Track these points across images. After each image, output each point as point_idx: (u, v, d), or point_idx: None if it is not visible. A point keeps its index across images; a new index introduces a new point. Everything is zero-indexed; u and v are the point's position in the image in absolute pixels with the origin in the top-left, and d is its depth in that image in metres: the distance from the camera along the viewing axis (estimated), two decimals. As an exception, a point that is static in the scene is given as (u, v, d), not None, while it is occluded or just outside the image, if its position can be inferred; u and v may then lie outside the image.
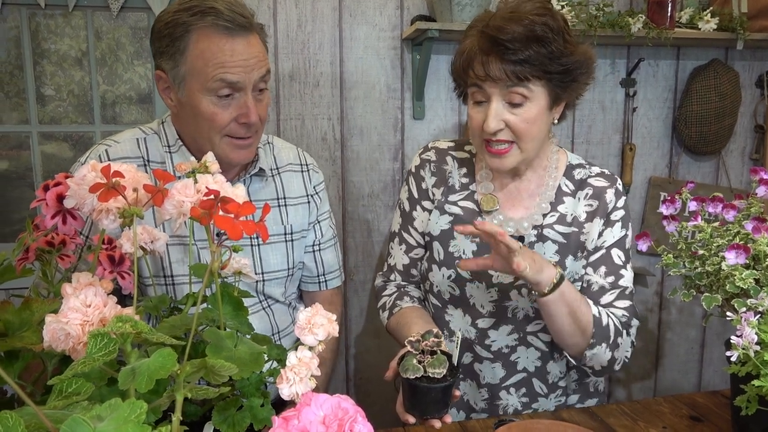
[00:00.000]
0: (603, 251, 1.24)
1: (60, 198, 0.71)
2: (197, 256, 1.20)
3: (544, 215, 1.25)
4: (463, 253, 1.24)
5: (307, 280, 1.42)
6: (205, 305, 0.83)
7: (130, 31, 1.93)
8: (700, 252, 1.08)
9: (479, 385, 1.28)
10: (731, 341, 0.83)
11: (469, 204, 1.28)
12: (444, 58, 2.00)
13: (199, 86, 1.10)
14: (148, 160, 1.21)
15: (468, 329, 1.26)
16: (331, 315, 0.74)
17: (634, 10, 2.01)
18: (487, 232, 1.02)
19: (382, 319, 1.34)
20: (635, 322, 1.23)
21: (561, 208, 1.26)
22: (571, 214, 1.25)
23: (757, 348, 0.81)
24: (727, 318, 0.90)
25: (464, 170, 1.31)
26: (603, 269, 1.23)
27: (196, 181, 0.68)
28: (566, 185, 1.28)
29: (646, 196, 2.28)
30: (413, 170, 1.35)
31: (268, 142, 1.35)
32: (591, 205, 1.25)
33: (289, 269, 1.32)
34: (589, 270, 1.24)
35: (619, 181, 1.30)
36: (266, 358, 0.80)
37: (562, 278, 1.10)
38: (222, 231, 0.62)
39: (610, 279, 1.22)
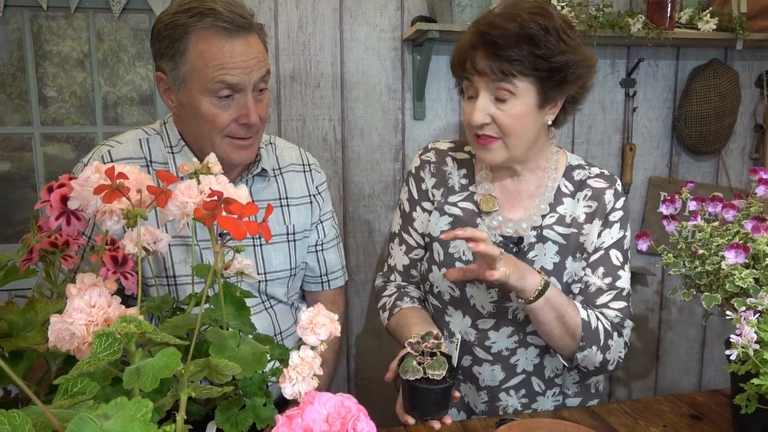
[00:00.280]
0: (601, 252, 1.24)
1: (64, 199, 0.71)
2: (199, 257, 1.20)
3: (543, 216, 1.25)
4: (463, 254, 1.25)
5: (310, 280, 1.43)
6: (207, 305, 0.84)
7: (132, 32, 1.94)
8: (700, 251, 1.08)
9: (479, 388, 1.29)
10: (731, 340, 0.83)
11: (468, 205, 1.28)
12: (444, 59, 2.01)
13: (199, 87, 1.10)
14: (151, 161, 1.21)
15: (468, 330, 1.26)
16: (333, 315, 0.74)
17: (634, 10, 2.01)
18: (466, 238, 1.03)
19: (382, 319, 1.34)
20: (628, 323, 1.24)
21: (560, 209, 1.26)
22: (570, 215, 1.25)
23: (757, 347, 0.81)
24: (727, 317, 0.91)
25: (464, 171, 1.31)
26: (601, 270, 1.23)
27: (199, 182, 0.69)
28: (565, 186, 1.28)
29: (646, 195, 2.29)
30: (413, 171, 1.35)
31: (271, 143, 1.36)
32: (590, 206, 1.26)
33: (291, 269, 1.32)
34: (588, 271, 1.24)
35: (619, 181, 1.30)
36: (269, 358, 0.80)
37: (547, 285, 1.11)
38: (225, 231, 0.62)
39: (608, 280, 1.23)
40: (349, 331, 2.10)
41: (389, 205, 2.06)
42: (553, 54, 1.10)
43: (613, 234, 1.25)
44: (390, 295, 1.34)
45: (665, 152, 2.28)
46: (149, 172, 1.19)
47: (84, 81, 1.93)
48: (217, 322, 0.80)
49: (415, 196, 1.33)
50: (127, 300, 1.02)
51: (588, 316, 1.17)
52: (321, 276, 1.42)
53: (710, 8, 2.07)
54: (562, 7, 1.88)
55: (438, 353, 1.00)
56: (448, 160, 1.33)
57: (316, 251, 1.40)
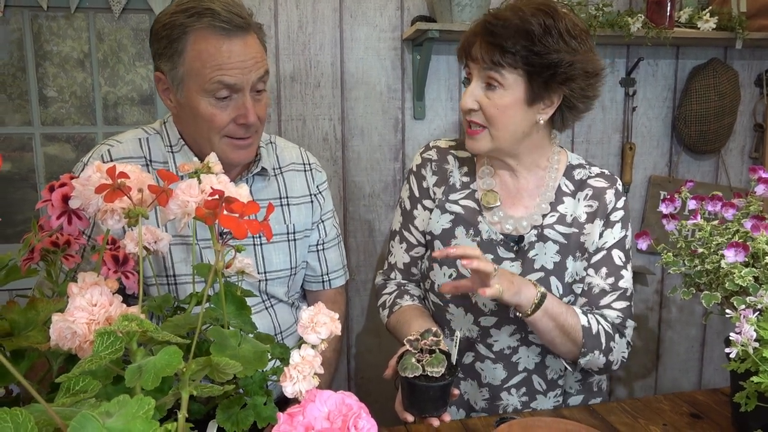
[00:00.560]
0: (604, 252, 1.25)
1: (65, 199, 0.71)
2: (199, 256, 1.21)
3: (544, 215, 1.26)
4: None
5: (311, 279, 1.43)
6: (208, 304, 0.84)
7: (132, 32, 1.94)
8: (700, 250, 1.08)
9: (480, 385, 1.29)
10: (730, 338, 0.84)
11: (470, 203, 1.28)
12: (444, 59, 2.01)
13: (198, 88, 1.10)
14: (151, 160, 1.21)
15: (470, 327, 1.27)
16: (333, 314, 0.74)
17: (633, 9, 2.02)
18: (459, 256, 1.04)
19: (382, 317, 1.35)
20: (630, 323, 1.25)
21: (561, 209, 1.26)
22: (571, 215, 1.26)
23: (756, 345, 0.81)
24: (726, 315, 0.91)
25: (465, 169, 1.32)
26: (604, 270, 1.24)
27: (199, 181, 0.69)
28: (566, 185, 1.28)
29: (646, 195, 2.29)
30: (414, 169, 1.36)
31: (271, 142, 1.36)
32: (591, 206, 1.26)
33: (292, 269, 1.32)
34: (591, 271, 1.25)
35: (619, 181, 1.30)
36: (269, 357, 0.80)
37: (543, 297, 1.12)
38: (226, 230, 0.63)
39: (611, 280, 1.23)
40: (349, 330, 2.10)
41: (389, 205, 2.06)
42: (549, 52, 1.11)
43: (615, 234, 1.25)
44: (390, 293, 1.34)
45: (665, 151, 2.29)
46: (149, 172, 1.19)
47: (84, 81, 1.93)
48: (218, 321, 0.80)
49: (416, 194, 1.34)
50: (128, 299, 1.02)
51: (588, 321, 1.18)
52: (322, 275, 1.42)
53: (710, 7, 2.07)
54: (562, 8, 1.88)
55: (437, 350, 1.00)
56: (450, 158, 1.33)
57: (317, 251, 1.40)
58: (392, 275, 1.39)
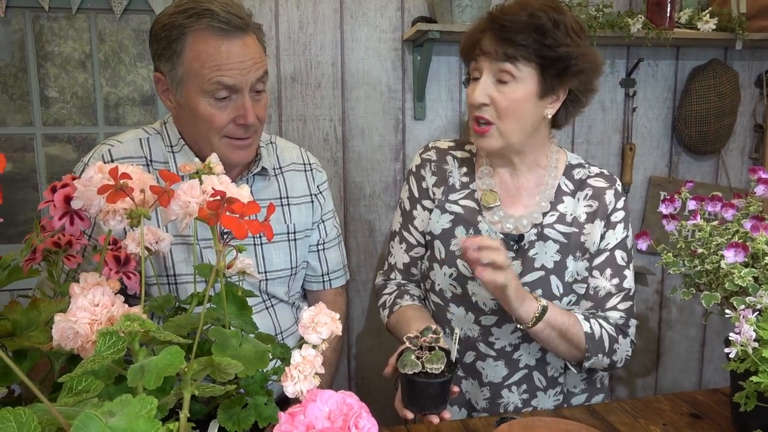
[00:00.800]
0: (607, 254, 1.26)
1: (67, 199, 0.72)
2: (200, 256, 1.21)
3: (544, 214, 1.26)
4: (464, 252, 1.26)
5: (311, 279, 1.43)
6: (209, 305, 0.84)
7: (133, 33, 1.94)
8: (700, 251, 1.09)
9: (481, 384, 1.29)
10: (730, 338, 0.84)
11: (469, 203, 1.29)
12: (445, 59, 2.01)
13: (197, 88, 1.11)
14: (151, 160, 1.22)
15: (471, 327, 1.27)
16: (334, 314, 0.74)
17: (634, 10, 2.02)
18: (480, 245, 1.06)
19: (382, 317, 1.35)
20: (633, 322, 1.26)
21: (560, 208, 1.27)
22: (571, 214, 1.26)
23: (756, 345, 0.81)
24: (726, 316, 0.91)
25: (464, 169, 1.32)
26: (609, 271, 1.25)
27: (201, 182, 0.69)
28: (566, 185, 1.29)
29: (646, 195, 2.29)
30: (414, 170, 1.36)
31: (271, 142, 1.36)
32: (591, 206, 1.26)
33: (292, 268, 1.32)
34: (596, 273, 1.26)
35: (618, 181, 1.31)
36: (270, 357, 0.81)
37: (545, 311, 1.14)
38: (227, 231, 0.63)
39: (615, 281, 1.25)
40: (350, 330, 2.10)
41: (390, 205, 2.07)
42: (559, 45, 1.13)
43: (617, 235, 1.26)
44: (390, 293, 1.35)
45: (665, 152, 2.29)
46: (149, 172, 1.19)
47: (85, 81, 1.94)
48: (219, 321, 0.80)
49: (416, 194, 1.34)
50: (129, 300, 1.03)
51: (591, 327, 1.20)
52: (322, 275, 1.43)
53: (710, 8, 2.07)
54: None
55: (436, 348, 1.00)
56: (449, 158, 1.34)
57: (318, 251, 1.40)
58: (392, 276, 1.39)
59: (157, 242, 0.88)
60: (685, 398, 1.21)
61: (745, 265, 1.00)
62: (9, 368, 0.67)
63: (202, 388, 0.58)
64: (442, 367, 0.97)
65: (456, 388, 1.05)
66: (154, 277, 1.05)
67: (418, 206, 1.34)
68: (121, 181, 0.64)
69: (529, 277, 1.22)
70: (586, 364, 1.21)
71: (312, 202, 1.37)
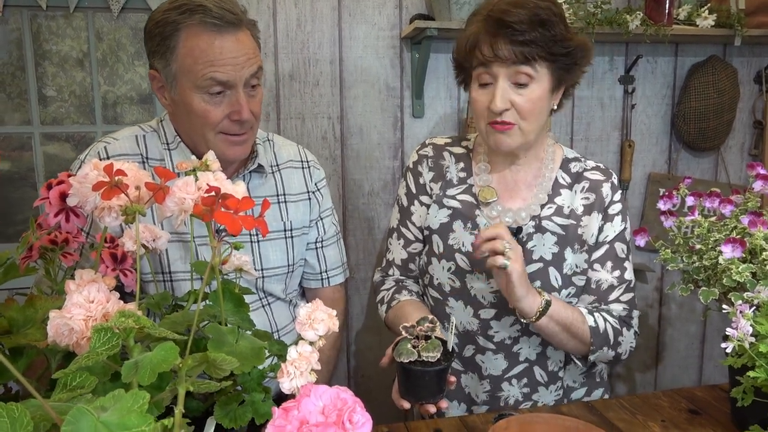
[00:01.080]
0: (607, 246, 1.26)
1: (63, 196, 0.72)
2: (196, 254, 1.21)
3: (542, 206, 1.26)
4: (463, 245, 1.26)
5: (310, 277, 1.43)
6: (206, 302, 0.84)
7: (131, 31, 1.94)
8: (698, 246, 1.09)
9: (481, 377, 1.29)
10: (727, 333, 0.84)
11: (467, 197, 1.29)
12: (443, 57, 2.01)
13: (191, 84, 1.11)
14: (147, 158, 1.22)
15: (470, 320, 1.27)
16: (331, 310, 0.74)
17: (632, 7, 2.01)
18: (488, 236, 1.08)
19: (380, 313, 1.35)
20: (635, 313, 1.28)
21: (558, 200, 1.27)
22: (569, 207, 1.27)
23: (753, 340, 0.81)
24: (723, 311, 0.91)
25: (461, 165, 1.32)
26: (610, 264, 1.26)
27: (197, 179, 0.69)
28: (563, 177, 1.29)
29: (645, 192, 2.29)
30: (411, 166, 1.36)
31: (268, 139, 1.36)
32: (588, 198, 1.27)
33: (289, 266, 1.32)
34: (597, 266, 1.26)
35: (615, 175, 1.32)
36: (267, 354, 0.81)
37: (548, 305, 1.14)
38: (222, 227, 0.63)
39: (617, 273, 1.26)
40: (349, 328, 2.10)
41: (388, 203, 2.07)
42: (564, 39, 1.14)
43: (615, 227, 1.27)
44: (388, 289, 1.35)
45: (664, 149, 2.29)
46: (145, 169, 1.19)
47: (83, 80, 1.94)
48: (216, 318, 0.80)
49: (413, 190, 1.34)
50: (126, 298, 1.03)
51: (595, 321, 1.21)
52: (321, 273, 1.42)
53: (708, 4, 2.07)
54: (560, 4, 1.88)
55: (433, 337, 1.00)
56: (446, 154, 1.34)
57: (316, 248, 1.40)
58: (390, 272, 1.39)
59: (154, 240, 0.87)
60: (683, 394, 1.21)
61: (743, 260, 1.00)
62: (5, 366, 0.68)
63: (197, 384, 0.58)
64: (438, 355, 0.97)
65: (453, 378, 1.05)
66: (151, 274, 1.05)
67: (416, 202, 1.34)
68: (116, 178, 0.64)
69: (528, 269, 1.23)
70: (592, 358, 1.22)
71: (309, 199, 1.37)
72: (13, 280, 0.80)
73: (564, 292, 1.24)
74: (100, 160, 0.70)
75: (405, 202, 1.36)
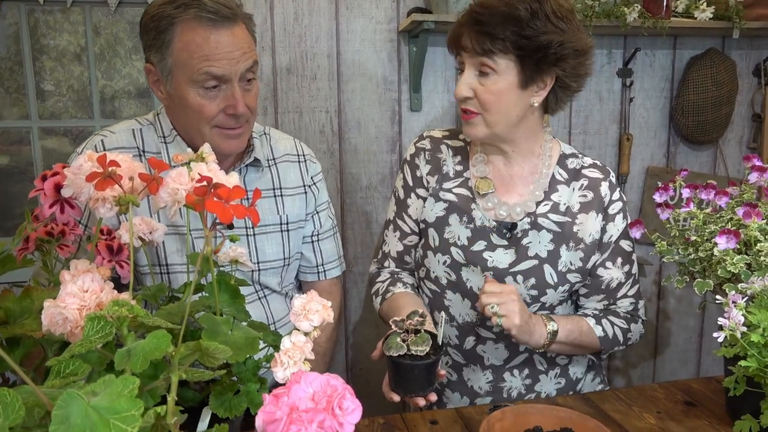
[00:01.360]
0: (613, 245, 1.28)
1: (58, 187, 0.72)
2: (192, 246, 1.21)
3: (538, 203, 1.26)
4: (458, 239, 1.26)
5: (306, 270, 1.43)
6: (202, 293, 0.85)
7: (128, 26, 1.94)
8: (693, 238, 1.09)
9: (483, 367, 1.30)
10: (719, 323, 0.84)
11: (463, 191, 1.29)
12: (440, 50, 2.01)
13: (186, 79, 1.11)
14: (144, 151, 1.22)
15: (468, 312, 1.28)
16: (326, 301, 0.75)
17: (630, -1, 2.01)
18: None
19: (375, 304, 1.36)
20: (641, 303, 1.33)
21: (554, 197, 1.27)
22: (565, 204, 1.27)
23: (744, 329, 0.82)
24: (716, 302, 0.92)
25: (458, 158, 1.33)
26: (620, 260, 1.29)
27: (190, 170, 0.69)
28: (560, 174, 1.29)
29: (643, 185, 2.29)
30: (408, 158, 1.36)
31: (265, 133, 1.36)
32: (585, 196, 1.27)
33: (285, 259, 1.33)
34: (608, 264, 1.28)
35: (612, 173, 1.32)
36: (262, 345, 0.81)
37: (554, 335, 1.19)
38: (218, 220, 0.63)
39: (626, 268, 1.30)
40: (347, 321, 2.11)
41: (386, 197, 2.07)
42: (537, 35, 1.12)
43: (618, 226, 1.28)
44: (383, 281, 1.36)
45: (662, 142, 2.29)
46: (142, 162, 1.20)
47: (81, 75, 1.94)
48: (211, 309, 0.80)
49: (410, 183, 1.35)
50: (122, 290, 1.03)
51: (603, 330, 1.26)
52: (317, 266, 1.43)
53: (707, -3, 2.06)
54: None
55: (422, 330, 1.01)
56: (443, 147, 1.34)
57: (312, 242, 1.41)
58: (386, 264, 1.40)
59: (151, 232, 0.88)
60: (679, 386, 1.22)
61: (738, 252, 1.00)
62: (1, 355, 0.68)
63: (190, 372, 0.58)
64: (427, 349, 0.97)
65: (443, 372, 1.06)
66: (148, 266, 1.05)
67: (412, 195, 1.34)
68: (110, 169, 0.64)
69: (523, 266, 1.23)
70: (603, 356, 1.32)
71: (306, 193, 1.37)
72: (10, 272, 0.81)
73: (560, 288, 1.24)
74: (97, 153, 0.70)
75: (402, 195, 1.36)
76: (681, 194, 1.17)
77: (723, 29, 2.04)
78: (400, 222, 1.36)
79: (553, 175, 1.29)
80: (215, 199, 0.59)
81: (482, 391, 1.31)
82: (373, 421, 1.08)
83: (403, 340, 0.99)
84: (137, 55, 1.96)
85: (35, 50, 1.89)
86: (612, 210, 1.27)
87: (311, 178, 1.38)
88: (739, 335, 0.80)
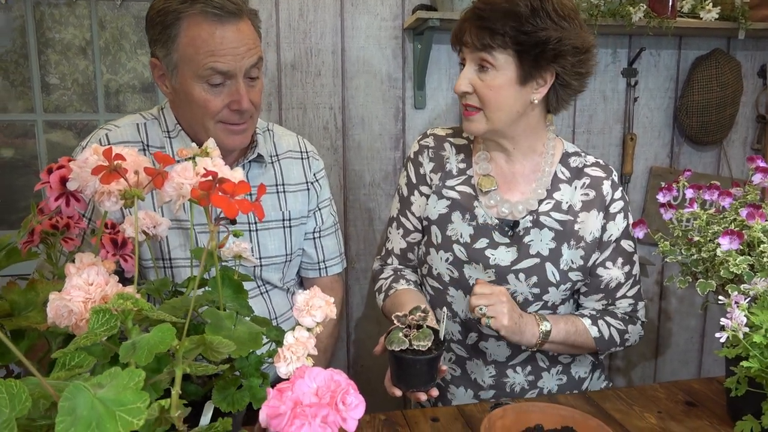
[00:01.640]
0: (614, 245, 1.28)
1: (63, 180, 0.72)
2: (196, 241, 1.22)
3: (540, 201, 1.26)
4: (461, 236, 1.26)
5: (308, 266, 1.44)
6: (206, 288, 0.85)
7: (134, 20, 1.94)
8: (696, 239, 1.09)
9: (486, 362, 1.30)
10: (721, 323, 0.84)
11: (466, 188, 1.29)
12: (445, 48, 2.01)
13: (191, 74, 1.11)
14: (148, 145, 1.23)
15: (472, 308, 1.28)
16: (329, 297, 0.75)
17: (636, -1, 2.01)
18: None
19: (378, 301, 1.37)
20: (641, 305, 1.32)
21: (557, 195, 1.27)
22: (567, 202, 1.27)
23: (747, 330, 0.82)
24: (719, 302, 0.92)
25: (462, 156, 1.33)
26: (620, 260, 1.29)
27: (195, 165, 0.70)
28: (562, 172, 1.29)
29: (646, 186, 2.29)
30: (412, 156, 1.37)
31: (268, 129, 1.36)
32: (587, 195, 1.27)
33: (287, 255, 1.33)
34: (608, 264, 1.28)
35: (615, 172, 1.32)
36: (265, 340, 0.81)
37: (547, 335, 1.19)
38: (222, 216, 0.63)
39: (627, 269, 1.29)
40: (348, 318, 2.11)
41: (389, 194, 2.07)
42: (536, 31, 1.13)
43: (618, 225, 1.28)
44: (386, 278, 1.36)
45: (666, 142, 2.28)
46: (146, 156, 1.20)
47: (86, 68, 1.94)
48: (214, 303, 0.81)
49: (413, 180, 1.35)
50: (126, 284, 1.04)
51: (599, 330, 1.25)
52: (318, 263, 1.43)
53: (712, -3, 2.06)
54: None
55: (424, 326, 1.01)
56: (446, 145, 1.34)
57: (314, 238, 1.41)
58: (389, 261, 1.40)
59: (154, 227, 0.88)
60: (680, 386, 1.22)
61: (741, 252, 1.00)
62: (6, 348, 0.68)
63: (194, 366, 0.58)
64: (429, 344, 0.98)
65: (444, 367, 1.06)
66: (151, 261, 1.06)
67: (416, 192, 1.34)
68: (115, 162, 0.64)
69: (525, 264, 1.23)
70: (601, 356, 1.32)
71: (308, 189, 1.37)
72: (14, 265, 0.81)
73: (562, 287, 1.25)
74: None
75: (405, 192, 1.36)
76: (684, 194, 1.17)
77: (728, 30, 2.03)
78: (403, 219, 1.36)
79: (555, 174, 1.29)
80: (220, 193, 0.59)
81: (485, 384, 1.31)
82: (375, 417, 1.08)
83: (406, 335, 0.99)
84: (142, 50, 1.96)
85: (40, 44, 1.89)
86: (613, 209, 1.27)
87: (314, 174, 1.39)
88: (741, 336, 0.81)
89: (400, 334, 1.00)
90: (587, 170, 1.29)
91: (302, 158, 1.38)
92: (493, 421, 0.91)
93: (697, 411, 1.12)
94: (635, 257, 1.32)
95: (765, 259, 0.96)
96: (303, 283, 1.48)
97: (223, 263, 0.90)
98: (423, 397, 1.02)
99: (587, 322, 1.25)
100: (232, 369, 0.80)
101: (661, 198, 1.18)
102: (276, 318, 1.33)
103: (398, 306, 1.25)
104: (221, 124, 1.16)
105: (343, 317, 2.05)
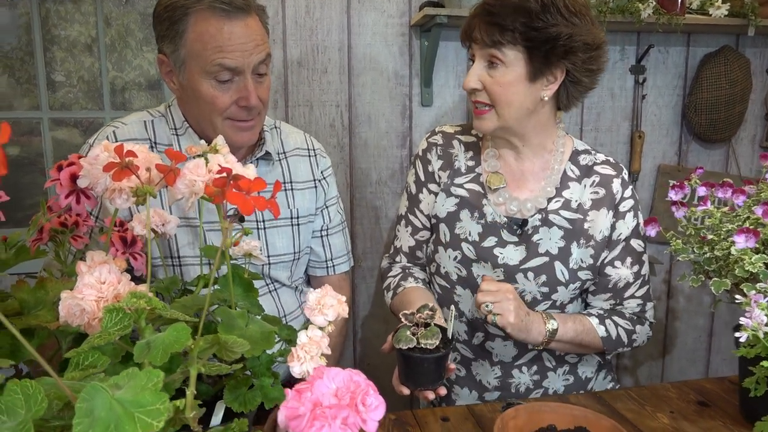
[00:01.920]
0: (623, 243, 1.27)
1: (74, 178, 0.71)
2: (204, 239, 1.21)
3: (549, 199, 1.25)
4: (469, 234, 1.26)
5: (315, 264, 1.43)
6: (216, 286, 0.84)
7: (140, 17, 1.94)
8: (710, 237, 1.08)
9: (491, 363, 1.29)
10: (740, 323, 0.83)
11: (474, 186, 1.28)
12: (452, 45, 1.99)
13: (199, 70, 1.10)
14: (155, 142, 1.22)
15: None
16: (340, 296, 0.74)
17: (645, -5, 1.99)
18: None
19: (386, 299, 1.36)
20: (650, 305, 1.30)
21: (566, 194, 1.26)
22: (576, 201, 1.26)
23: (767, 329, 0.81)
24: (736, 302, 0.90)
25: (470, 153, 1.32)
26: (629, 260, 1.27)
27: (207, 162, 0.69)
28: (572, 170, 1.28)
29: (655, 183, 2.27)
30: (420, 153, 1.36)
31: (276, 127, 1.36)
32: (597, 193, 1.26)
33: (295, 253, 1.32)
34: (617, 263, 1.27)
35: (625, 170, 1.31)
36: (276, 339, 0.80)
37: (554, 334, 1.18)
38: (232, 209, 0.62)
39: (635, 268, 1.28)
40: (355, 316, 2.11)
41: (396, 192, 2.06)
42: (547, 27, 1.12)
43: (628, 224, 1.26)
44: (395, 276, 1.35)
45: (674, 140, 2.27)
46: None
47: (92, 66, 1.94)
48: (225, 302, 0.80)
49: (422, 178, 1.34)
50: (135, 282, 1.03)
51: (606, 330, 1.24)
52: (326, 261, 1.42)
53: (722, -6, 2.04)
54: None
55: (432, 324, 1.00)
56: (455, 142, 1.33)
57: (321, 236, 1.40)
58: (398, 259, 1.40)
59: (163, 224, 0.87)
60: (692, 386, 1.21)
61: (756, 251, 0.99)
62: (17, 346, 0.68)
63: (208, 366, 0.58)
64: (437, 342, 0.97)
65: (453, 366, 1.05)
66: (160, 259, 1.05)
67: (424, 190, 1.33)
68: (127, 159, 0.63)
69: (534, 263, 1.22)
70: (608, 356, 1.30)
71: (315, 187, 1.36)
72: (22, 263, 0.80)
73: (571, 286, 1.24)
74: (109, 143, 0.69)
75: (413, 190, 1.36)
76: (695, 192, 1.16)
77: (738, 27, 2.02)
78: (411, 217, 1.36)
79: (564, 172, 1.27)
80: (234, 190, 0.58)
81: (490, 386, 1.30)
82: (384, 417, 1.07)
83: (413, 334, 0.99)
84: (148, 47, 1.96)
85: (46, 41, 1.88)
86: (623, 207, 1.26)
87: (321, 172, 1.38)
88: (761, 335, 0.79)
89: (408, 333, 0.99)
90: (597, 168, 1.28)
91: (309, 156, 1.37)
92: (505, 422, 0.90)
93: (710, 411, 1.11)
94: (645, 257, 1.30)
95: (781, 258, 0.95)
96: (310, 281, 1.47)
97: (233, 261, 0.89)
98: (431, 395, 1.01)
99: (594, 321, 1.23)
100: (243, 368, 0.79)
101: (674, 196, 1.17)
102: (285, 316, 1.32)
103: (406, 304, 1.24)
104: (229, 120, 1.15)
105: (349, 316, 2.04)
